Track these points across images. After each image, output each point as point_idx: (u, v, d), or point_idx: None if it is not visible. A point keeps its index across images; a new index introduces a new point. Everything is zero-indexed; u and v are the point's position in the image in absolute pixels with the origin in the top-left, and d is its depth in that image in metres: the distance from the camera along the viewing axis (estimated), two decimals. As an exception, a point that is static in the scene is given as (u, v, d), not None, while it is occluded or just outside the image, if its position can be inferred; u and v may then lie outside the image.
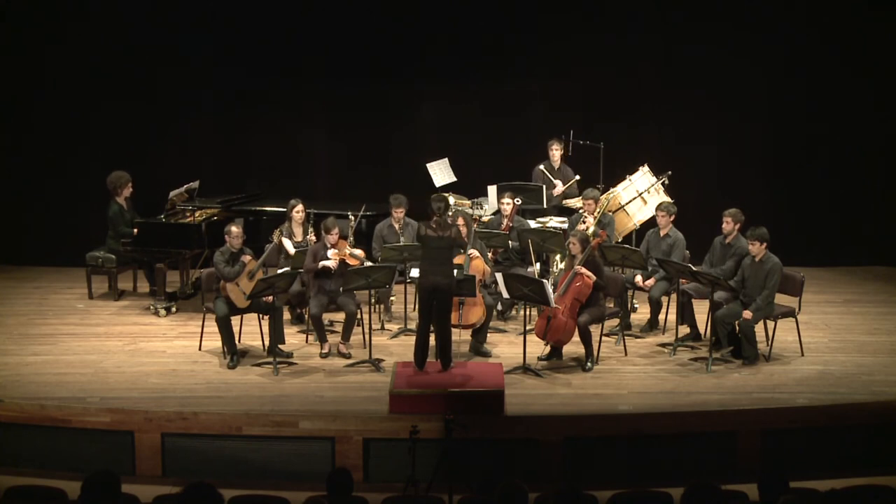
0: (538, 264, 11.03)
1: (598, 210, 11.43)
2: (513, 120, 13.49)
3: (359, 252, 10.58)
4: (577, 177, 12.51)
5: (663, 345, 10.82)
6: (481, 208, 12.32)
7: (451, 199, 11.90)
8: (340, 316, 10.67)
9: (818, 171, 13.65)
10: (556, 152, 12.54)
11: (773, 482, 6.38)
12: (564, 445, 9.02)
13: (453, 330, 9.99)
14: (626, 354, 10.58)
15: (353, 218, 10.88)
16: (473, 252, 10.51)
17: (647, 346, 10.87)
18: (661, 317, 11.20)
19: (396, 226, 11.42)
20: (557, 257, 11.25)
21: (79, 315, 11.73)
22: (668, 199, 11.77)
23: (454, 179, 12.70)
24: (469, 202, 12.42)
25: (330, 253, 10.35)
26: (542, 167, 12.57)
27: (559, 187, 12.38)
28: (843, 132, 13.59)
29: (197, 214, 12.08)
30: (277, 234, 10.83)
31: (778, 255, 10.29)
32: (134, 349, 10.68)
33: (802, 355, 10.49)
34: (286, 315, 10.96)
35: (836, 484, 7.24)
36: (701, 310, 10.81)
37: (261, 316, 10.33)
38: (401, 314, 11.48)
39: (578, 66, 13.53)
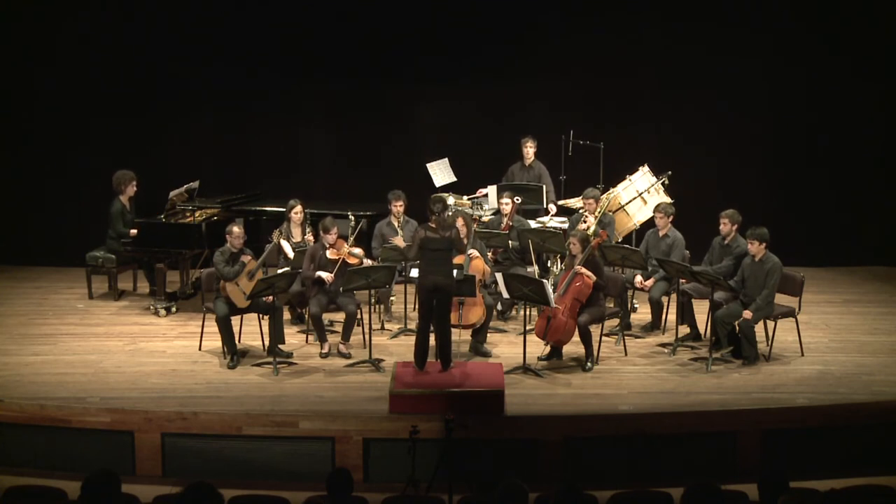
0: (537, 266, 11.04)
1: (598, 210, 11.43)
2: (513, 120, 13.49)
3: (358, 251, 10.57)
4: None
5: (663, 345, 10.82)
6: (481, 208, 12.34)
7: (451, 199, 11.93)
8: (340, 316, 10.67)
9: (818, 171, 13.66)
10: (529, 149, 12.57)
11: (773, 482, 6.38)
12: (564, 445, 9.02)
13: (453, 330, 9.99)
14: (626, 354, 10.58)
15: (352, 218, 10.88)
16: (473, 252, 10.51)
17: (647, 346, 10.87)
18: (661, 317, 11.20)
19: (396, 222, 11.42)
20: (558, 258, 11.26)
21: (79, 315, 11.73)
22: (667, 199, 11.77)
23: (454, 179, 12.72)
24: (469, 202, 12.44)
25: (328, 253, 10.35)
26: (513, 167, 12.64)
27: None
28: (844, 132, 13.60)
29: (197, 214, 12.09)
30: (277, 235, 10.82)
31: (778, 255, 10.29)
32: (134, 349, 10.68)
33: (802, 355, 10.49)
34: (286, 315, 10.96)
35: (836, 484, 7.24)
36: (701, 310, 10.81)
37: (261, 316, 10.33)
38: (401, 314, 11.48)
39: (578, 66, 13.53)
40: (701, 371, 10.14)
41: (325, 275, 10.29)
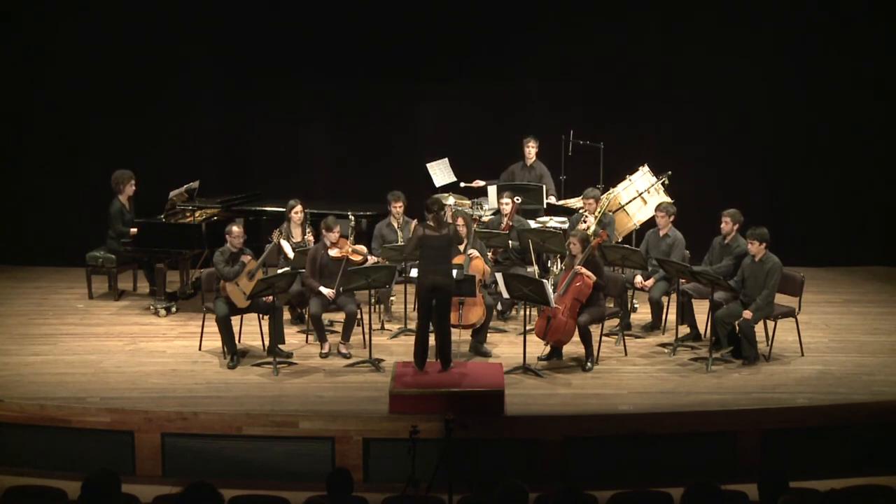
0: (537, 266, 11.04)
1: (598, 210, 11.43)
2: (513, 120, 13.49)
3: (361, 248, 10.58)
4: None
5: (663, 345, 10.82)
6: (481, 208, 12.34)
7: (451, 199, 11.94)
8: (340, 316, 10.67)
9: (818, 171, 13.66)
10: (530, 149, 12.59)
11: (773, 482, 6.38)
12: (564, 445, 9.02)
13: (453, 330, 9.99)
14: (626, 354, 10.57)
15: (352, 218, 10.88)
16: (473, 252, 10.51)
17: (647, 346, 10.87)
18: (661, 317, 11.19)
19: (395, 223, 11.43)
20: (558, 258, 11.26)
21: (79, 315, 11.73)
22: (667, 199, 11.77)
23: (454, 179, 12.73)
24: (469, 202, 12.43)
25: (332, 252, 10.36)
26: (512, 167, 12.65)
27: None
28: (844, 132, 13.59)
29: (197, 214, 12.09)
30: (277, 235, 10.83)
31: (778, 255, 10.28)
32: (134, 349, 10.68)
33: (802, 355, 10.48)
34: (286, 315, 10.96)
35: (836, 484, 7.24)
36: (701, 310, 10.81)
37: (261, 316, 10.33)
38: (401, 314, 11.48)
39: (578, 66, 13.53)
40: (701, 371, 10.14)
41: (326, 291, 10.28)
